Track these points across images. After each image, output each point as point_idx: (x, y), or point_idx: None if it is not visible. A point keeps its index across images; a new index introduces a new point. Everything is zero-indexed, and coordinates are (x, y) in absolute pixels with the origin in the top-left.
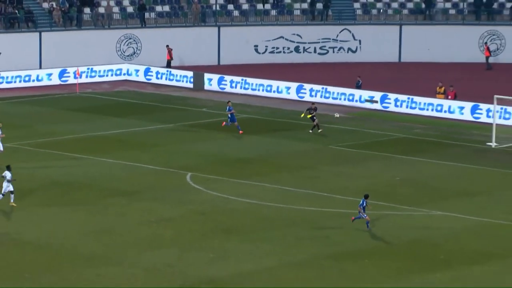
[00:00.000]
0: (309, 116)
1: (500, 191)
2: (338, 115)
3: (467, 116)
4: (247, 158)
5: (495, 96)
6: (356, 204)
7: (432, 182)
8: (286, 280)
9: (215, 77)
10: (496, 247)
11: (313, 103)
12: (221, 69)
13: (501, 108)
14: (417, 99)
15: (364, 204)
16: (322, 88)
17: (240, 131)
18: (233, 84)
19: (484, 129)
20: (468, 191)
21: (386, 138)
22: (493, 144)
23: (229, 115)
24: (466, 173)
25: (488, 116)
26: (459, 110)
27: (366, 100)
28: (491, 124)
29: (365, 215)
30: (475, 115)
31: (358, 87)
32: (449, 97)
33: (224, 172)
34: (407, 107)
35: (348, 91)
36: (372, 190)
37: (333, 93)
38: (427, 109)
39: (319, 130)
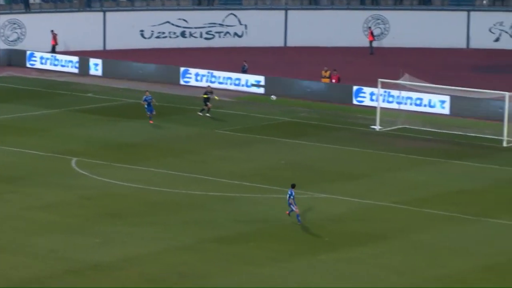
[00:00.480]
0: (205, 96)
1: (384, 173)
2: (274, 97)
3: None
4: (133, 143)
5: (379, 79)
6: (241, 188)
7: (316, 165)
8: (172, 264)
9: (101, 62)
10: (379, 228)
11: (209, 85)
12: (107, 54)
13: (385, 92)
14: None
15: (293, 194)
16: (208, 72)
17: (151, 121)
18: None
19: (368, 112)
20: (352, 174)
21: (272, 122)
22: (377, 127)
23: (146, 105)
24: (350, 156)
25: (372, 100)
26: None
27: (253, 85)
28: (375, 107)
29: (295, 207)
30: (359, 99)
31: (244, 71)
32: (333, 81)
33: (110, 157)
34: None
35: (234, 75)
36: (257, 174)
37: (219, 77)
38: None
39: (207, 114)
